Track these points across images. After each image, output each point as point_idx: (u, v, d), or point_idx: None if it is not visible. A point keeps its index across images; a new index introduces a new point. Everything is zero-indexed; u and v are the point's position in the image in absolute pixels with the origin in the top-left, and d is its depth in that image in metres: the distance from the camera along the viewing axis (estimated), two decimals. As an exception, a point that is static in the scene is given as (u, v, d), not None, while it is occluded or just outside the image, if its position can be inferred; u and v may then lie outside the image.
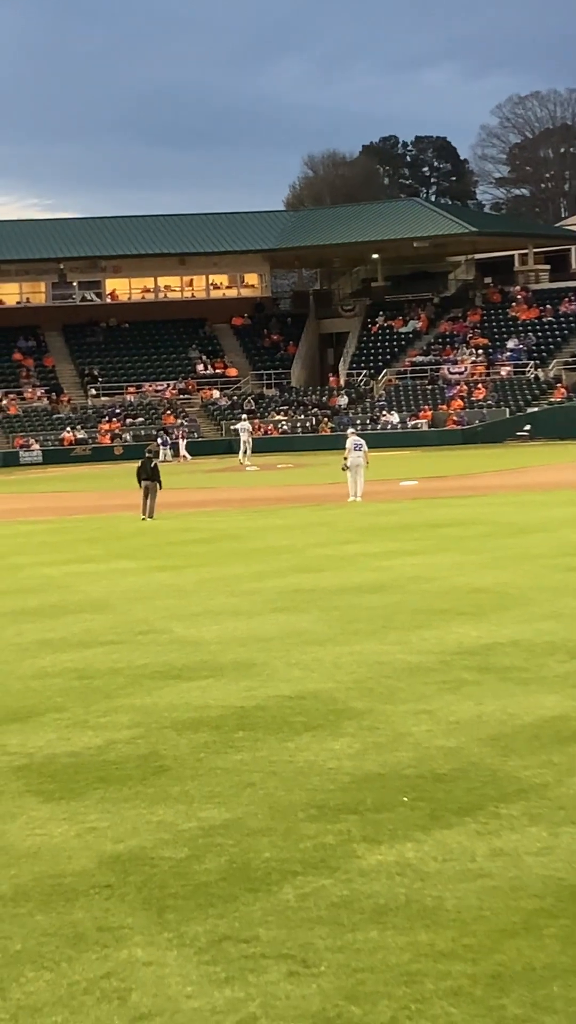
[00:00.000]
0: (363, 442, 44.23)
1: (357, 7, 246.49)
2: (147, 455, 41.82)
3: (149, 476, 39.86)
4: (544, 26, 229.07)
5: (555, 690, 14.97)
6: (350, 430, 51.53)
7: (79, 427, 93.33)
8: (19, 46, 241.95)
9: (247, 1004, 7.77)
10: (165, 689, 15.98)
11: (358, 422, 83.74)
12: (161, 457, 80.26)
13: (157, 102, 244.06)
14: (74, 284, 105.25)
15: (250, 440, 76.36)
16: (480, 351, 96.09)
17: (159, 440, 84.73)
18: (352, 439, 44.29)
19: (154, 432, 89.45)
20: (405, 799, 11.28)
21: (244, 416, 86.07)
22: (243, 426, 79.05)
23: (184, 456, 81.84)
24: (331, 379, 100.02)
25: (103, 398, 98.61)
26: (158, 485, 39.83)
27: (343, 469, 44.04)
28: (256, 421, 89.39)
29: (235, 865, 9.98)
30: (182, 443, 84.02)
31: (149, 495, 39.71)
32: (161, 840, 10.61)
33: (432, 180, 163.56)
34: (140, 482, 40.14)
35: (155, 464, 40.34)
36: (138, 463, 41.33)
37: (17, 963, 8.53)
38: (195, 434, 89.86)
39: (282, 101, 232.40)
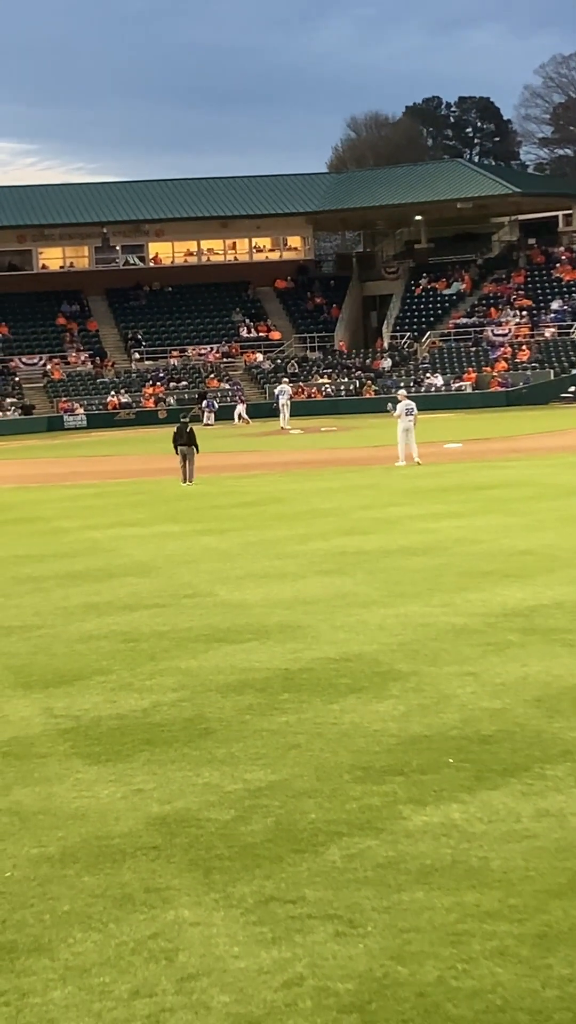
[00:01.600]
0: (414, 404, 43.75)
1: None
2: (182, 420, 41.84)
3: (186, 442, 39.86)
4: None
5: (601, 652, 14.95)
6: (401, 391, 50.96)
7: (123, 391, 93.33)
8: (68, 7, 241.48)
9: (294, 964, 7.81)
10: (210, 652, 16.03)
11: (401, 384, 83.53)
12: (206, 420, 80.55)
13: (202, 63, 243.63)
14: (117, 248, 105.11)
15: (288, 404, 76.06)
16: (524, 312, 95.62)
17: (204, 403, 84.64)
18: (404, 402, 43.62)
19: (197, 395, 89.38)
20: (450, 761, 11.30)
21: (286, 379, 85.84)
22: (282, 389, 78.70)
23: (244, 419, 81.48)
24: (377, 342, 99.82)
25: (147, 362, 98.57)
26: (195, 450, 39.79)
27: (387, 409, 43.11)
28: (300, 384, 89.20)
29: (281, 826, 10.02)
30: (241, 407, 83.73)
31: (187, 460, 39.71)
32: (207, 802, 10.66)
33: (475, 141, 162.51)
34: (176, 448, 40.12)
35: (191, 429, 40.31)
36: (174, 428, 41.34)
37: (65, 924, 8.60)
38: (240, 396, 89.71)
39: (326, 62, 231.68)
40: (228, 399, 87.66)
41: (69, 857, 9.72)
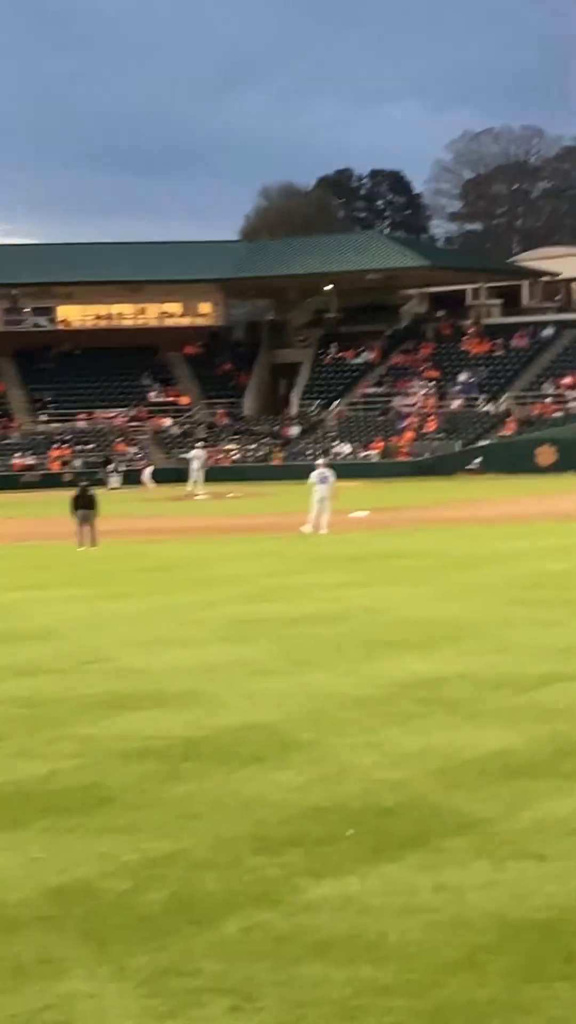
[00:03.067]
0: (330, 473, 43.71)
1: (325, 41, 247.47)
2: (82, 483, 41.81)
3: (86, 505, 39.73)
4: (503, 63, 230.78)
5: (502, 724, 14.97)
6: (319, 460, 51.05)
7: (29, 453, 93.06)
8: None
9: (188, 1039, 7.71)
10: (111, 719, 15.89)
11: (309, 451, 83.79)
12: (111, 484, 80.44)
13: (119, 129, 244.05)
14: (26, 310, 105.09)
15: (202, 469, 76.13)
16: (432, 384, 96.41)
17: (109, 467, 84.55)
18: (319, 470, 43.74)
19: (103, 459, 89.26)
20: (350, 832, 11.24)
21: (198, 444, 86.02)
22: (196, 454, 78.85)
23: (148, 483, 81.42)
24: (285, 409, 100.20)
25: (54, 424, 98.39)
26: (94, 513, 39.64)
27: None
28: (208, 450, 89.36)
29: (178, 897, 9.91)
30: (147, 470, 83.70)
31: (87, 523, 39.55)
32: (104, 871, 10.53)
33: (386, 214, 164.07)
34: (75, 512, 39.94)
35: (92, 493, 40.21)
36: (73, 492, 41.26)
37: (-44, 995, 8.44)
38: (147, 460, 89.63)
39: (242, 132, 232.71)
40: (132, 464, 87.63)
41: (-38, 927, 9.56)
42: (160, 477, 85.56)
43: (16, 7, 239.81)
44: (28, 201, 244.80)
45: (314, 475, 43.22)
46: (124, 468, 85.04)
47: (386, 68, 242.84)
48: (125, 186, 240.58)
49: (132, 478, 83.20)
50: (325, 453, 79.26)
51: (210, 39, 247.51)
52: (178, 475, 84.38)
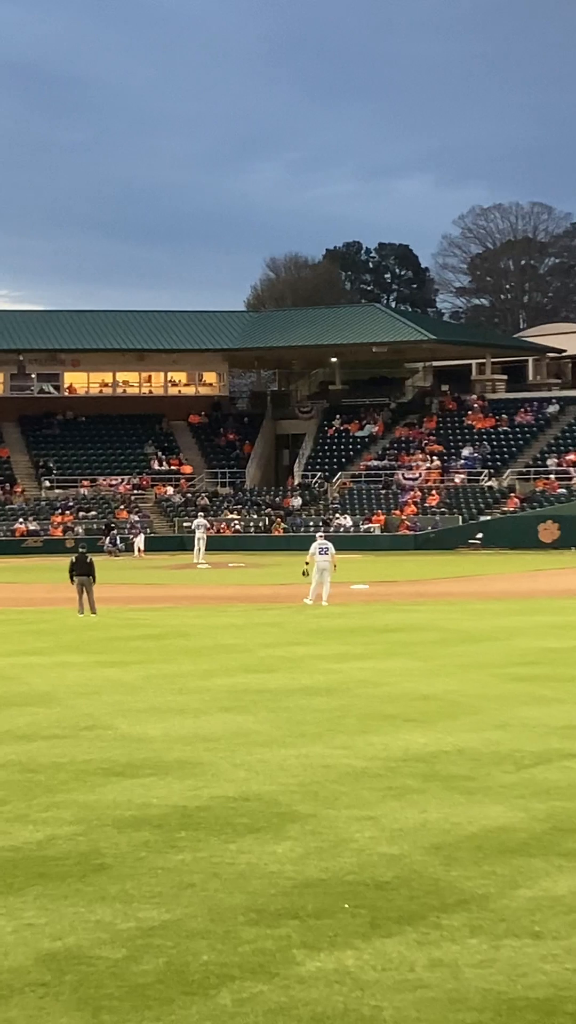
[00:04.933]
0: (330, 545, 43.81)
1: (337, 115, 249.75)
2: (80, 550, 41.80)
3: (84, 571, 39.68)
4: (512, 140, 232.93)
5: (500, 800, 14.94)
6: (319, 533, 51.20)
7: (31, 518, 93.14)
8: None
9: None
10: (108, 786, 15.86)
11: (312, 523, 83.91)
12: (112, 553, 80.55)
13: (131, 198, 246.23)
14: (32, 376, 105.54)
15: (204, 538, 76.16)
16: (435, 458, 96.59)
17: (108, 538, 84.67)
18: (319, 542, 43.87)
19: (104, 526, 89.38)
20: (346, 906, 11.20)
21: (200, 514, 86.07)
22: (199, 523, 78.94)
23: (140, 552, 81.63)
24: (288, 480, 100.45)
25: (57, 490, 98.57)
26: (92, 580, 39.58)
27: (303, 574, 43.75)
28: (210, 519, 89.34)
29: (173, 967, 9.88)
30: (139, 539, 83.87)
31: (85, 590, 39.51)
32: (99, 939, 10.49)
33: (393, 287, 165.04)
34: (73, 578, 39.91)
35: (90, 559, 40.19)
36: (71, 558, 41.26)
37: (-53, 1061, 8.40)
38: (148, 530, 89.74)
39: (252, 203, 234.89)
40: (128, 532, 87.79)
41: (-45, 992, 9.51)
42: (161, 546, 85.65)
43: (31, 77, 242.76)
44: (37, 268, 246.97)
45: (314, 547, 43.29)
46: (119, 539, 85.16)
47: (396, 143, 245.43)
48: (133, 255, 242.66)
49: (131, 545, 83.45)
50: (325, 525, 79.32)
51: (223, 112, 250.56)
52: (180, 544, 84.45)
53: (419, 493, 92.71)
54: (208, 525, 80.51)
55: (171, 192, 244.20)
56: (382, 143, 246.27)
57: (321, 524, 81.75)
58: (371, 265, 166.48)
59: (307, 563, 43.26)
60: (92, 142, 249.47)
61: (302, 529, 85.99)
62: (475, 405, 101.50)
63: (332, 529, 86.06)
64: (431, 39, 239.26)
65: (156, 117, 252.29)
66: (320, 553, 42.83)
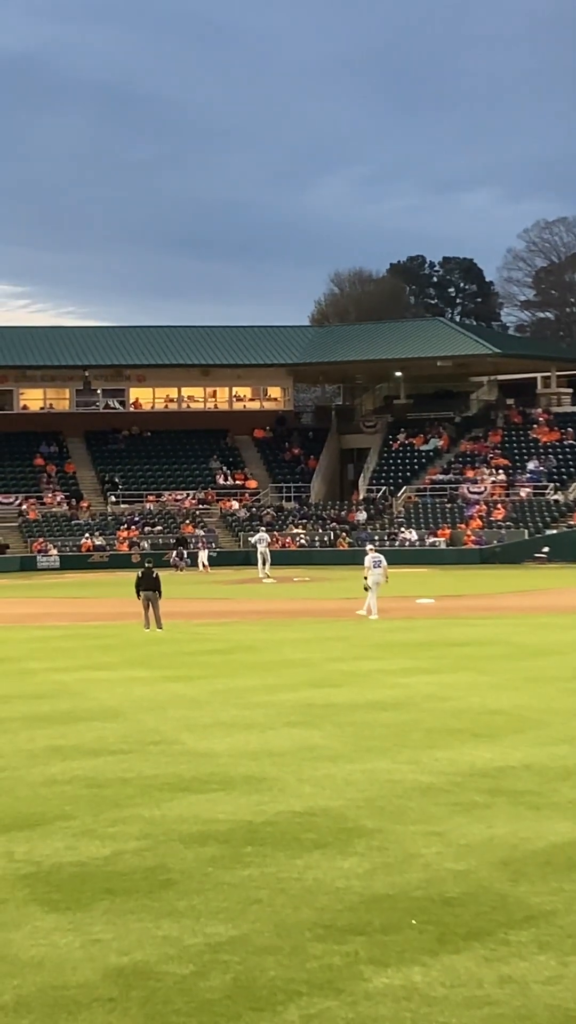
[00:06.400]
0: (382, 558, 43.91)
1: (403, 129, 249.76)
2: (147, 565, 41.87)
3: (150, 587, 39.78)
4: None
5: (568, 816, 14.86)
6: (369, 546, 51.24)
7: (98, 533, 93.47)
8: (70, 156, 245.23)
9: None
10: (174, 801, 15.89)
11: (376, 538, 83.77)
12: (180, 567, 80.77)
13: (198, 214, 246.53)
14: (98, 391, 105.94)
15: (267, 552, 76.18)
16: (500, 471, 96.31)
17: (175, 552, 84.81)
18: (371, 556, 44.02)
19: (172, 541, 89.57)
20: (413, 922, 11.18)
21: (262, 528, 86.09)
22: (260, 537, 78.97)
23: (205, 567, 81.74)
24: (352, 494, 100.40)
25: (122, 505, 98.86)
26: (158, 595, 39.67)
27: (365, 589, 43.76)
28: (275, 533, 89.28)
29: (240, 983, 9.88)
30: (203, 553, 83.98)
31: (151, 605, 39.60)
32: (166, 955, 10.51)
33: (457, 301, 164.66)
34: (139, 593, 40.01)
35: (156, 574, 40.26)
36: (137, 573, 41.35)
37: (16, 1076, 8.43)
38: (213, 544, 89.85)
39: (318, 218, 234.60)
40: (193, 546, 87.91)
41: (23, 1007, 9.55)
42: (227, 560, 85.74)
43: (101, 95, 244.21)
44: (103, 284, 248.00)
45: (367, 560, 43.45)
46: (186, 554, 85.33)
47: (461, 156, 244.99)
48: (199, 270, 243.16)
49: (195, 560, 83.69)
50: (371, 540, 79.00)
51: (290, 128, 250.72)
52: (244, 558, 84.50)
53: (484, 507, 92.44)
54: (269, 540, 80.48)
55: (237, 208, 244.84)
56: (447, 156, 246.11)
57: (368, 540, 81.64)
58: (435, 279, 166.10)
59: (365, 577, 43.31)
60: (160, 159, 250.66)
61: (367, 544, 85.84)
62: (540, 418, 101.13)
63: (398, 543, 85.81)
64: (495, 52, 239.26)
65: (224, 133, 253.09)
66: (374, 566, 42.95)
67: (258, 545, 76.57)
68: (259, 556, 75.07)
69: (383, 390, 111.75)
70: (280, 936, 10.88)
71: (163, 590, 40.05)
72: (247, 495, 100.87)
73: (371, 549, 46.14)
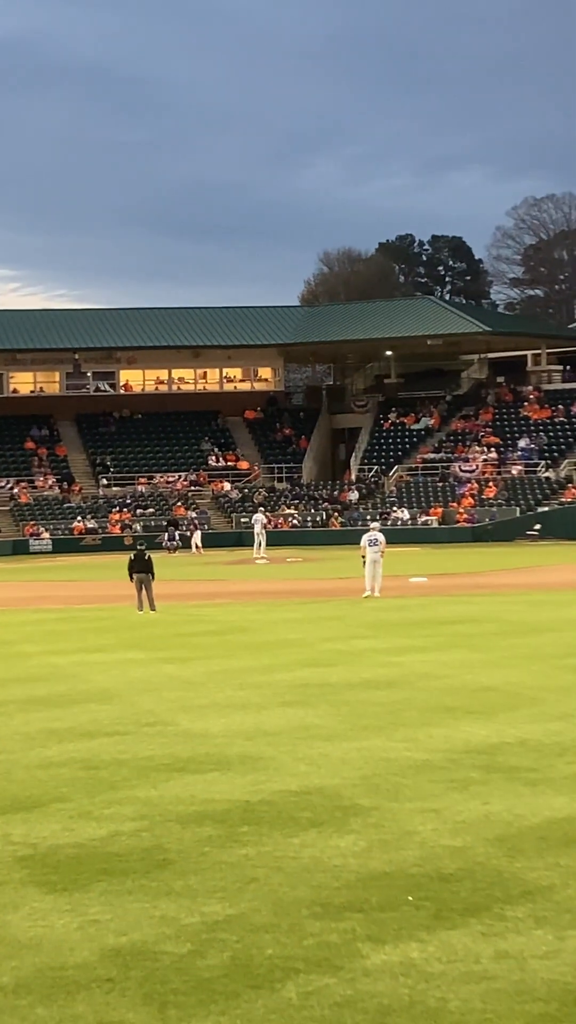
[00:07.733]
0: (380, 536, 43.62)
1: (391, 109, 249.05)
2: (139, 547, 41.84)
3: (142, 569, 39.78)
4: (565, 131, 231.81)
5: (563, 791, 14.90)
6: (373, 524, 51.02)
7: (90, 516, 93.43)
8: (60, 138, 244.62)
9: None
10: (170, 781, 15.91)
11: (368, 517, 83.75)
12: (172, 549, 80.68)
13: (189, 197, 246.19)
14: (88, 374, 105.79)
15: (264, 533, 76.23)
16: (491, 449, 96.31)
17: (167, 533, 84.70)
18: (368, 534, 43.71)
19: (167, 523, 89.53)
20: (410, 898, 11.20)
21: (260, 509, 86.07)
22: (257, 518, 78.94)
23: (198, 548, 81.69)
24: (344, 474, 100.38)
25: (114, 488, 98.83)
26: (151, 577, 39.68)
27: (364, 566, 43.54)
28: (267, 514, 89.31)
29: (238, 961, 9.90)
30: (196, 535, 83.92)
31: (144, 587, 39.60)
32: (163, 934, 10.53)
33: (447, 279, 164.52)
34: (131, 576, 40.02)
35: (148, 556, 40.25)
36: (130, 556, 41.33)
37: (16, 1056, 8.44)
38: (205, 526, 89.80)
39: (306, 198, 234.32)
40: (185, 528, 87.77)
41: (22, 988, 9.57)
42: (219, 542, 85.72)
43: (91, 77, 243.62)
44: (97, 267, 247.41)
45: (364, 539, 43.25)
46: (178, 535, 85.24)
47: (449, 135, 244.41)
48: (189, 251, 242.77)
49: (188, 542, 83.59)
50: (372, 518, 78.91)
51: (281, 110, 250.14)
52: (237, 539, 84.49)
53: (476, 485, 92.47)
54: (266, 521, 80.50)
55: (227, 189, 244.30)
56: (435, 136, 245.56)
57: (368, 518, 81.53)
58: (424, 258, 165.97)
59: (363, 556, 43.13)
60: (150, 141, 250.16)
61: (360, 523, 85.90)
62: (531, 396, 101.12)
63: (390, 523, 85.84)
64: (485, 32, 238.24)
65: (213, 115, 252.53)
66: (370, 545, 42.74)
67: (255, 526, 76.69)
68: (255, 536, 75.16)
69: (373, 369, 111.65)
70: (277, 914, 10.90)
71: (156, 572, 40.08)
72: (239, 476, 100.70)
73: (374, 528, 45.68)
